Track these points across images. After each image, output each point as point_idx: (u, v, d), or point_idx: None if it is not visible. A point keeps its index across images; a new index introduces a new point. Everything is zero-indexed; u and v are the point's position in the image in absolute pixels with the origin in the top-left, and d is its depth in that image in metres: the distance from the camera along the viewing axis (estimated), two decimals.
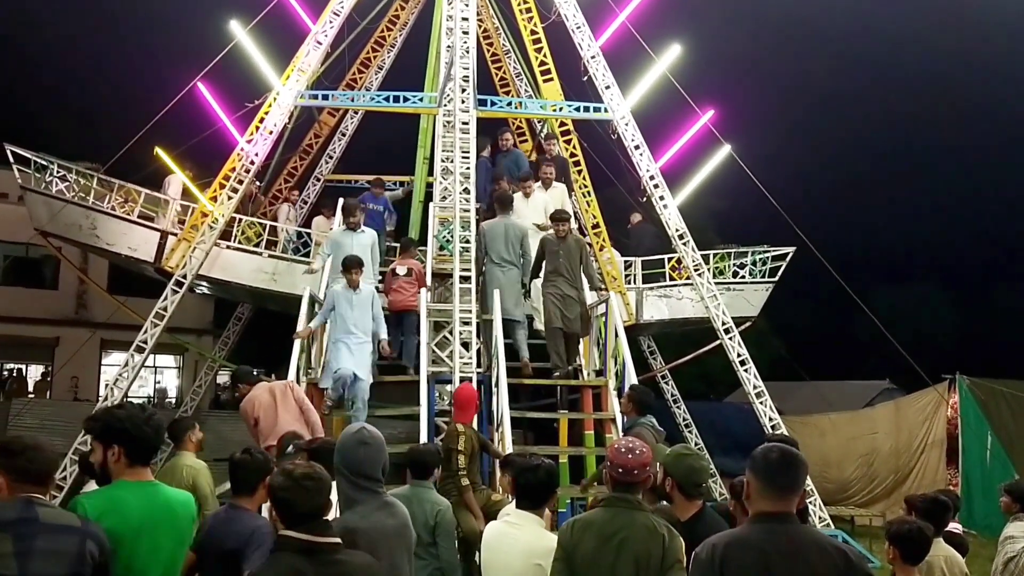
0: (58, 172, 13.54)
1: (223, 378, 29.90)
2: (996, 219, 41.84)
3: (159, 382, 29.60)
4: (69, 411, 16.97)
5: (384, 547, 3.36)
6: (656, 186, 13.06)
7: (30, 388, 25.46)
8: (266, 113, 13.02)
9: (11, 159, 13.43)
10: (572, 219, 11.23)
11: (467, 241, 10.78)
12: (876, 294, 28.87)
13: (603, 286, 11.12)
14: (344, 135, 17.51)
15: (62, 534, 3.02)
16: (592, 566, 3.66)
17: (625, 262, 14.64)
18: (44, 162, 13.54)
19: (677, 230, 13.03)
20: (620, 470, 3.81)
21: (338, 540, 3.05)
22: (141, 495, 3.36)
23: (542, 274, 10.35)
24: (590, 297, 10.54)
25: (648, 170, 13.09)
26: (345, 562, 3.01)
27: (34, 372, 26.71)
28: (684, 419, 16.81)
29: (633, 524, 3.68)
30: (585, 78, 13.40)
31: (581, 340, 10.56)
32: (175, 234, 13.28)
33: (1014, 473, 12.82)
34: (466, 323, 10.12)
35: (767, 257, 15.26)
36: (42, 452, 3.23)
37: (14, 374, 26.33)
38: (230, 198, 12.73)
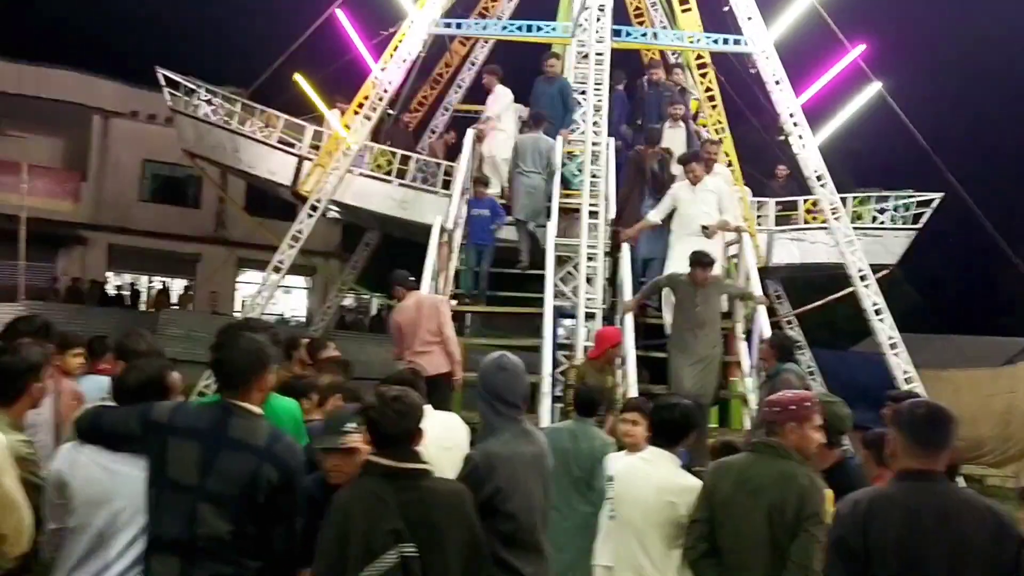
0: (205, 96, 14.12)
1: (348, 300, 31.03)
2: None
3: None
4: (211, 323, 17.98)
5: (522, 474, 3.44)
6: (796, 124, 12.46)
7: (173, 300, 27.21)
8: (400, 41, 13.10)
9: (162, 82, 14.10)
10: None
11: (596, 176, 10.57)
12: None
13: (754, 302, 9.29)
14: (474, 64, 17.41)
15: (241, 452, 2.93)
16: (729, 510, 3.65)
17: (757, 203, 14.14)
18: (192, 86, 14.15)
19: (816, 171, 12.41)
20: (767, 408, 3.78)
21: (426, 467, 3.03)
22: None
23: (665, 318, 9.16)
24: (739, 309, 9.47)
25: (788, 107, 12.47)
26: (429, 488, 2.98)
27: (177, 286, 28.44)
28: (808, 367, 16.33)
29: (770, 472, 3.61)
30: (726, 8, 12.78)
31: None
32: (311, 159, 13.66)
33: None
34: (591, 258, 10.06)
35: (911, 203, 14.46)
36: (249, 342, 3.07)
37: (160, 287, 28.13)
38: (364, 125, 12.95)
